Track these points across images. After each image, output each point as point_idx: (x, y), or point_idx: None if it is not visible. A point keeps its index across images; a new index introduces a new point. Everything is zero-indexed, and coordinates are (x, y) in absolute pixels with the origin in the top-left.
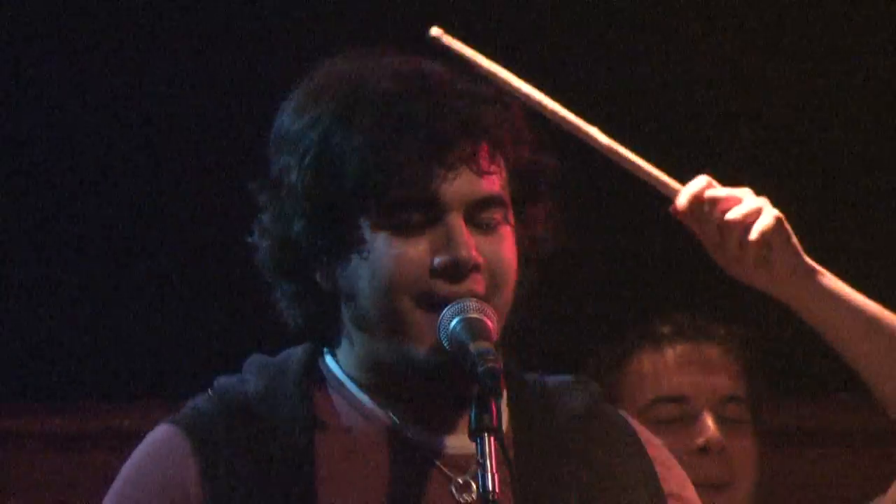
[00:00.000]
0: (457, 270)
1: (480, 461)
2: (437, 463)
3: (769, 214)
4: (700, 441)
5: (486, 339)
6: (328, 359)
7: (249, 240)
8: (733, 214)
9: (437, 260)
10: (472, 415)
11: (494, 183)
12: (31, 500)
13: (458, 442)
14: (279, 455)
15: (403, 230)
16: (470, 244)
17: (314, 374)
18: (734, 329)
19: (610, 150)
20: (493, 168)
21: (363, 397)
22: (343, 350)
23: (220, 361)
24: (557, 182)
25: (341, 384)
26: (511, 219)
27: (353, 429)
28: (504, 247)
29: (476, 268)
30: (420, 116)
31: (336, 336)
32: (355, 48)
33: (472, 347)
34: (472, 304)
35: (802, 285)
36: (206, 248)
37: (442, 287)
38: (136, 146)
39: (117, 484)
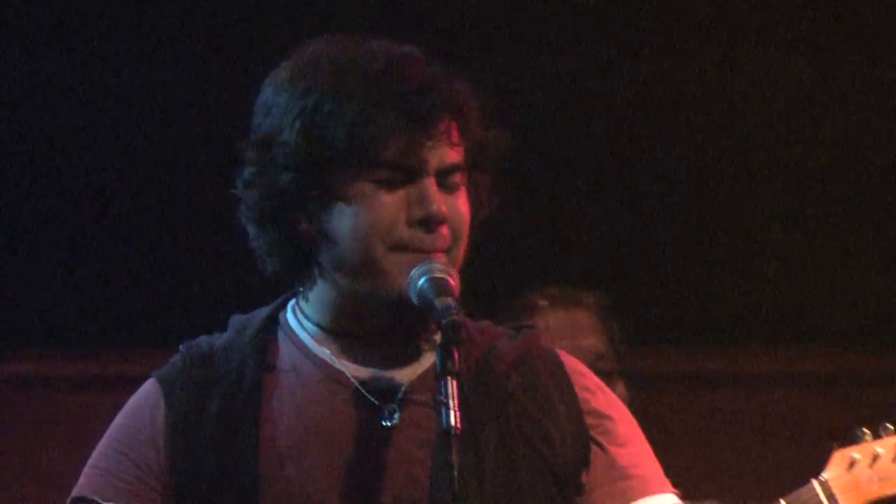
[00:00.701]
0: (429, 222)
1: (444, 401)
2: (368, 394)
3: None
4: None
5: (449, 296)
6: (289, 312)
7: (233, 192)
8: None
9: (414, 213)
10: (438, 360)
11: (459, 152)
12: (53, 435)
13: (386, 376)
14: (230, 395)
15: (385, 185)
16: (440, 202)
17: (273, 325)
18: (599, 296)
19: None
20: (460, 140)
21: (309, 342)
22: (313, 293)
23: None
24: (502, 155)
25: (293, 331)
26: (467, 183)
27: (298, 369)
28: (462, 204)
29: (443, 221)
30: (406, 93)
31: (308, 281)
32: (338, 32)
33: (438, 303)
34: (438, 265)
35: None
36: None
37: (415, 235)
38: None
39: (113, 424)
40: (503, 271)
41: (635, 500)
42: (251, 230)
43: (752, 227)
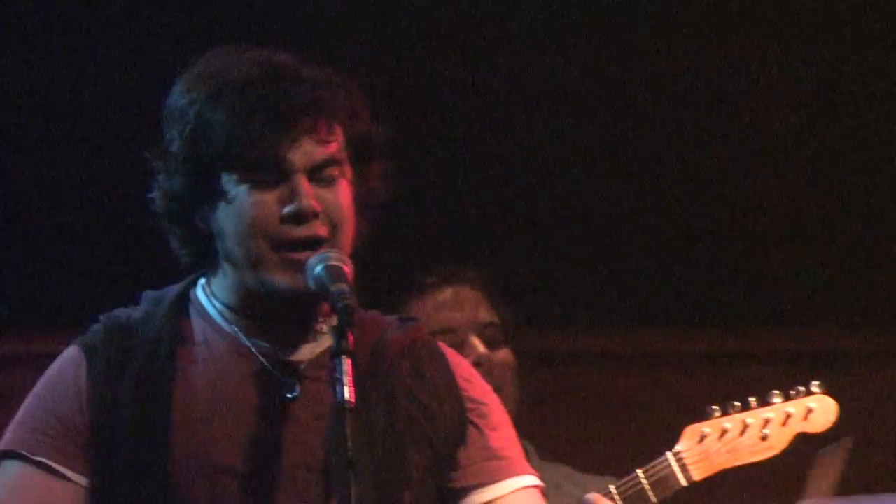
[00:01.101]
0: (300, 216)
1: (339, 378)
2: (272, 368)
3: None
4: (471, 359)
5: (344, 282)
6: (199, 290)
7: (149, 195)
8: None
9: (284, 209)
10: (334, 341)
11: (332, 148)
12: None
13: (289, 353)
14: (146, 362)
15: (259, 185)
16: (310, 196)
17: (184, 302)
18: (483, 272)
19: None
20: (330, 137)
21: (218, 318)
22: (218, 279)
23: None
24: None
25: (203, 308)
26: (349, 175)
27: (208, 342)
28: (340, 196)
29: (315, 215)
30: (270, 98)
31: (214, 268)
32: (228, 45)
33: (333, 288)
34: (333, 254)
35: None
36: None
37: (289, 230)
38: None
39: (37, 385)
40: (406, 255)
41: (504, 479)
42: (163, 225)
43: (645, 211)
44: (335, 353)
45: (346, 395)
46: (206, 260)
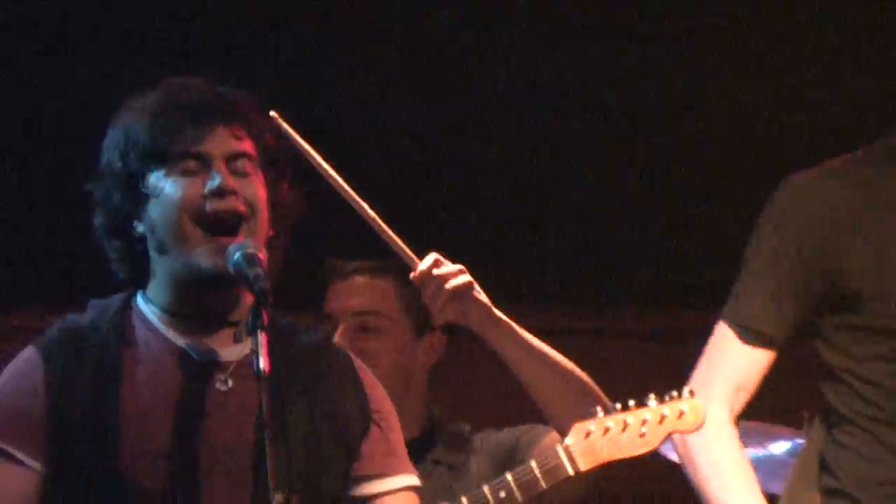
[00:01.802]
0: (220, 191)
1: (255, 350)
2: (205, 365)
3: (463, 278)
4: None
5: (260, 267)
6: (139, 299)
7: (93, 222)
8: (441, 278)
9: (207, 186)
10: (250, 318)
11: (245, 144)
12: None
13: (221, 353)
14: (96, 363)
15: (183, 174)
16: (228, 176)
17: (128, 309)
18: (398, 264)
19: (373, 220)
20: (242, 134)
21: (156, 322)
22: (153, 285)
23: None
24: (298, 166)
25: (143, 315)
26: (262, 177)
27: (148, 344)
28: (254, 183)
29: (233, 192)
30: (187, 102)
31: (148, 278)
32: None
33: (250, 272)
34: (251, 242)
35: (492, 330)
36: None
37: (212, 203)
38: None
39: None
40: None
41: (395, 475)
42: (104, 244)
43: (568, 193)
44: (251, 329)
45: (262, 364)
46: (139, 273)
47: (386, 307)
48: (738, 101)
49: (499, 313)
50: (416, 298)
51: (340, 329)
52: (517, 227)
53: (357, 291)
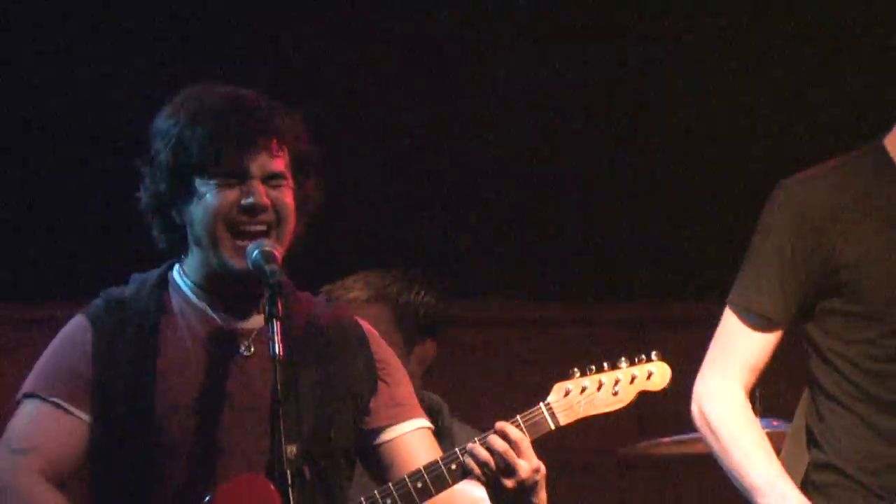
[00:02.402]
0: (253, 208)
1: (271, 336)
2: (231, 332)
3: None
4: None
5: (275, 263)
6: (175, 272)
7: (136, 195)
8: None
9: (243, 202)
10: (267, 308)
11: (281, 162)
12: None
13: (245, 322)
14: (137, 329)
15: (224, 185)
16: (263, 194)
17: (164, 282)
18: (397, 276)
19: None
20: (279, 153)
21: (190, 295)
22: (188, 262)
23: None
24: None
25: (178, 287)
26: (291, 184)
27: (183, 313)
28: (285, 196)
29: (265, 209)
30: (235, 122)
31: (185, 254)
32: (204, 81)
33: (267, 268)
34: (267, 242)
35: None
36: None
37: (244, 220)
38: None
39: (50, 346)
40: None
41: (405, 420)
42: (146, 217)
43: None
44: (267, 317)
45: (277, 349)
46: (178, 247)
47: (380, 330)
48: (737, 100)
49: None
50: (405, 313)
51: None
52: (516, 224)
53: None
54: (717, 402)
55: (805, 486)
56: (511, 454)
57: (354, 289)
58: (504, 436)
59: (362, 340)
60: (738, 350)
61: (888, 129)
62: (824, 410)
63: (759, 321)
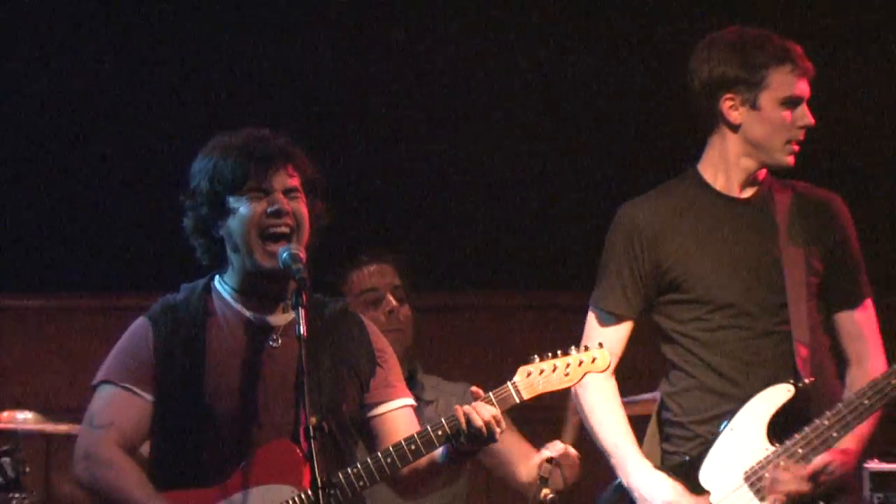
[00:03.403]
0: (277, 213)
1: (297, 321)
2: (262, 328)
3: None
4: (387, 309)
5: (300, 263)
6: (216, 282)
7: (182, 224)
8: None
9: (269, 209)
10: (294, 297)
11: (296, 180)
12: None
13: (274, 319)
14: (188, 327)
15: (253, 199)
16: (284, 202)
17: (209, 289)
18: (396, 254)
19: None
20: (294, 174)
21: (229, 299)
22: (228, 272)
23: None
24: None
25: (220, 294)
26: (305, 199)
27: (224, 314)
28: (301, 206)
29: (287, 213)
30: (259, 151)
31: (225, 265)
32: (228, 130)
33: (294, 266)
34: (294, 245)
35: None
36: None
37: (272, 223)
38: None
39: (118, 343)
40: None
41: (394, 399)
42: (192, 240)
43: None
44: (295, 306)
45: (302, 330)
46: (219, 261)
47: (403, 284)
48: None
49: None
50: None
51: (386, 297)
52: (485, 221)
53: (390, 272)
54: (586, 388)
55: (662, 440)
56: (492, 424)
57: (362, 252)
58: (479, 412)
59: (363, 333)
60: (596, 340)
61: (699, 158)
62: (673, 378)
63: (609, 317)
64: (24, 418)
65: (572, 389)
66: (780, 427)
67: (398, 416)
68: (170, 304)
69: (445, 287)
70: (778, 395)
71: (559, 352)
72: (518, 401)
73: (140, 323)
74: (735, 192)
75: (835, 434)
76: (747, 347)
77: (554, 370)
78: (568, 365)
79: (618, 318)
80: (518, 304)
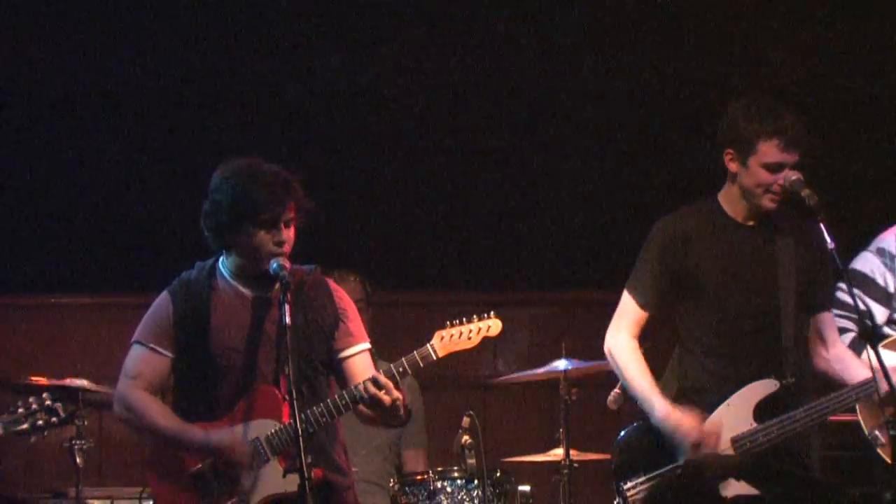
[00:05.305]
0: (281, 244)
1: (283, 312)
2: (255, 300)
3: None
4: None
5: (285, 270)
6: (220, 264)
7: (201, 224)
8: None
9: (275, 239)
10: (280, 296)
11: (293, 211)
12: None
13: (263, 293)
14: (199, 299)
15: (264, 228)
16: (286, 235)
17: (214, 269)
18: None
19: None
20: (292, 206)
21: (231, 279)
22: (230, 259)
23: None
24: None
25: (222, 273)
26: (295, 219)
27: (225, 290)
28: (293, 230)
29: (286, 242)
30: (273, 191)
31: (227, 253)
32: (243, 157)
33: (281, 273)
34: (282, 258)
35: None
36: None
37: (275, 251)
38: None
39: (148, 312)
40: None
41: (355, 345)
42: (207, 235)
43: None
44: (281, 303)
45: (287, 319)
46: (222, 249)
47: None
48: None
49: None
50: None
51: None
52: (499, 220)
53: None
54: (618, 348)
55: (674, 401)
56: (390, 389)
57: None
58: (376, 382)
59: (330, 295)
60: (629, 317)
61: (720, 188)
62: (683, 357)
63: (640, 304)
64: (81, 383)
65: (607, 351)
66: (764, 410)
67: (358, 359)
68: (185, 280)
69: (399, 287)
70: (766, 386)
71: (465, 319)
72: (435, 357)
73: (163, 296)
74: (742, 219)
75: (802, 425)
76: (744, 343)
77: (461, 335)
78: (471, 331)
79: (645, 307)
80: (476, 301)
